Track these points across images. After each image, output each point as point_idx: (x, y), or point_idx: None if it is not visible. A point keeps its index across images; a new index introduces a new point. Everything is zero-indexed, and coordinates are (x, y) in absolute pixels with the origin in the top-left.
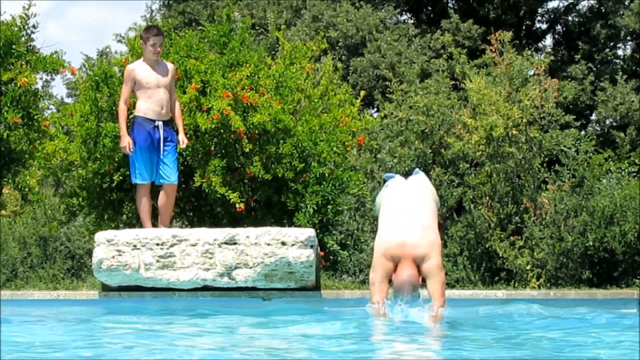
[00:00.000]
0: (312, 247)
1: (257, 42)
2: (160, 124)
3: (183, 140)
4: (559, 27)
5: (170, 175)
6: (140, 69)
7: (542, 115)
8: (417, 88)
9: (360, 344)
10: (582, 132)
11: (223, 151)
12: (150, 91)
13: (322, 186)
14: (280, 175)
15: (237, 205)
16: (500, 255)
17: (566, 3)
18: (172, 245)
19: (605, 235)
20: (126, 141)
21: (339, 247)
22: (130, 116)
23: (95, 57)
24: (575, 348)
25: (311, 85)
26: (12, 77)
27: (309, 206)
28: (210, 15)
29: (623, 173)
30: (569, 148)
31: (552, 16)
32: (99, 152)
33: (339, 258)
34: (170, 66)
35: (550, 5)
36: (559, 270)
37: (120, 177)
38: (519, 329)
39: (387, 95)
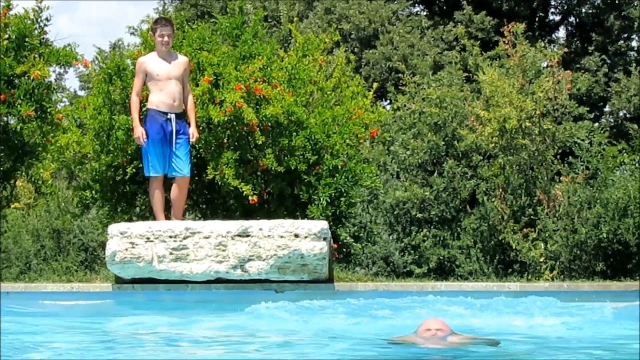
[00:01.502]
0: (325, 239)
1: (270, 34)
2: (173, 116)
3: (193, 133)
4: (572, 19)
5: (182, 167)
6: (151, 61)
7: (555, 107)
8: (430, 80)
9: None
10: (596, 124)
11: (236, 143)
12: (162, 83)
13: (335, 178)
14: (293, 168)
15: (250, 198)
16: (514, 248)
17: None
18: (185, 238)
19: (619, 227)
20: (139, 132)
21: (352, 240)
22: (144, 109)
23: (107, 50)
24: None
25: (324, 78)
26: (25, 70)
27: (322, 198)
28: (222, 8)
29: (637, 165)
30: (583, 140)
31: (565, 7)
32: (112, 145)
33: (352, 250)
34: (182, 59)
35: None
36: (572, 262)
37: (134, 170)
38: None
39: (399, 87)
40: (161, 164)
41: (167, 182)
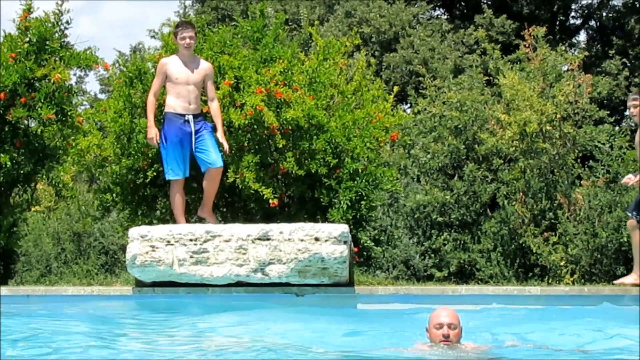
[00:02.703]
0: (345, 242)
1: (291, 37)
2: (191, 117)
3: (223, 144)
4: (593, 22)
5: (214, 159)
6: (172, 64)
7: (576, 111)
8: (451, 84)
9: None
10: (616, 128)
11: (256, 147)
12: (179, 87)
13: (356, 182)
14: (313, 171)
15: (270, 201)
16: (534, 251)
17: None
18: (205, 241)
19: None
20: (153, 132)
21: (373, 243)
22: (161, 111)
23: (128, 53)
24: None
25: (344, 81)
26: (46, 73)
27: (342, 202)
28: (243, 11)
29: None
30: (603, 144)
31: (586, 11)
32: (132, 148)
33: (373, 254)
34: (205, 65)
35: (584, 0)
36: (593, 266)
37: (154, 173)
38: None
39: (420, 90)
40: (180, 167)
41: (188, 186)
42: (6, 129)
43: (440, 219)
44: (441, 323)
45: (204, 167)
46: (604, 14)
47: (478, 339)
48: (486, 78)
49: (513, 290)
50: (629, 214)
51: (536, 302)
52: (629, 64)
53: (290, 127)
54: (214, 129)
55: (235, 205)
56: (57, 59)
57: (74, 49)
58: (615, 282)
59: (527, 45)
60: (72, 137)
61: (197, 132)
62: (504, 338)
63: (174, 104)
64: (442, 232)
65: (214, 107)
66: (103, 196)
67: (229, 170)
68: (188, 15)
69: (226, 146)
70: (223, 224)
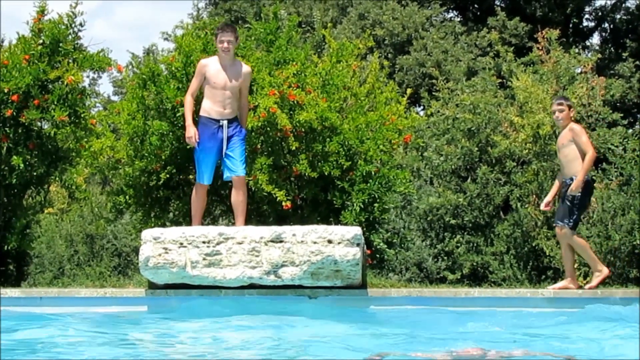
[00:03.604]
0: (358, 245)
1: (304, 40)
2: (225, 122)
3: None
4: (606, 25)
5: (236, 167)
6: (212, 67)
7: (589, 114)
8: (464, 86)
9: None
10: (630, 131)
11: (269, 149)
12: (216, 91)
13: (369, 184)
14: (326, 173)
15: (283, 203)
16: (547, 254)
17: (614, 1)
18: (218, 243)
19: None
20: (192, 132)
21: (386, 246)
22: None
23: (141, 55)
24: None
25: (357, 83)
26: (59, 75)
27: (355, 204)
28: (256, 13)
29: None
30: (617, 146)
31: (599, 14)
32: (145, 150)
33: (386, 256)
34: (244, 70)
35: (598, 3)
36: None
37: (167, 175)
38: None
39: (433, 93)
40: (208, 174)
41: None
42: (19, 131)
43: (453, 221)
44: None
45: (226, 174)
46: (618, 17)
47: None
48: (499, 80)
49: (526, 292)
50: (560, 223)
51: (549, 305)
52: None
53: (303, 130)
54: (245, 137)
55: (248, 208)
56: (70, 61)
57: (88, 51)
58: (549, 287)
59: (540, 48)
60: (85, 139)
61: (229, 137)
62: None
63: (209, 107)
64: (455, 234)
65: (243, 109)
66: (116, 198)
67: None
68: (201, 18)
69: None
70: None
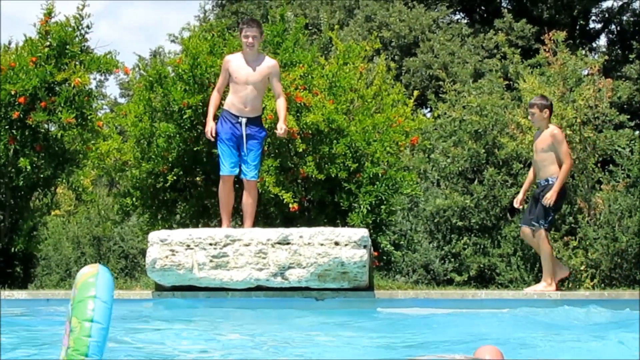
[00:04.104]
0: (365, 247)
1: (311, 42)
2: (244, 120)
3: (281, 126)
4: (613, 27)
5: (248, 171)
6: (234, 62)
7: (596, 115)
8: (471, 88)
9: None
10: (637, 132)
11: (276, 151)
12: (238, 86)
13: (376, 186)
14: (333, 175)
15: (290, 205)
16: (555, 256)
17: (620, 2)
18: (225, 245)
19: None
20: (209, 127)
21: (392, 247)
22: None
23: (148, 58)
24: None
25: (364, 85)
26: (66, 78)
27: (362, 206)
28: (263, 15)
29: None
30: (623, 148)
31: (606, 16)
32: (152, 152)
33: (392, 258)
34: (268, 63)
35: (605, 4)
36: (613, 271)
37: (174, 177)
38: None
39: (440, 95)
40: (230, 164)
41: (208, 190)
42: (26, 133)
43: (460, 223)
44: None
45: (241, 176)
46: (624, 19)
47: None
48: (506, 82)
49: (533, 294)
50: (535, 224)
51: (555, 306)
52: None
53: (310, 131)
54: (264, 139)
55: (255, 210)
56: (77, 63)
57: (94, 53)
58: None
59: (547, 50)
60: (92, 141)
61: (247, 137)
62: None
63: (231, 102)
64: (462, 236)
65: (279, 103)
66: (123, 200)
67: None
68: (208, 20)
69: (284, 127)
70: (243, 228)
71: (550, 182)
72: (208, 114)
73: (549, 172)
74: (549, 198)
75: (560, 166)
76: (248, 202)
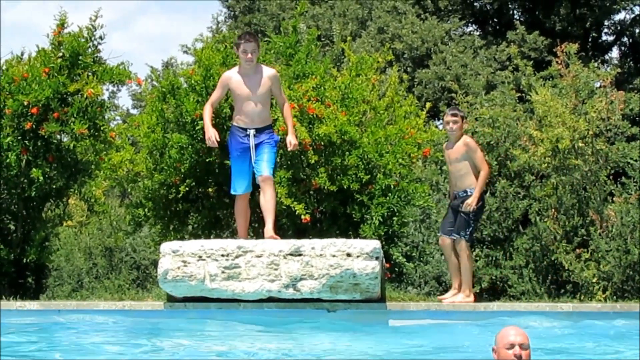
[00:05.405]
0: (377, 258)
1: (323, 53)
2: (252, 131)
3: (291, 141)
4: (625, 39)
5: (261, 168)
6: (235, 78)
7: (608, 128)
8: (483, 100)
9: None
10: None
11: (289, 162)
12: (242, 102)
13: (388, 198)
14: (345, 187)
15: (302, 217)
16: (566, 268)
17: (633, 15)
18: (237, 257)
19: None
20: (210, 132)
21: (405, 259)
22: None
23: (160, 69)
24: None
25: (377, 97)
26: (78, 88)
27: (374, 218)
28: (276, 27)
29: None
30: (636, 160)
31: (618, 28)
32: (165, 163)
33: (405, 270)
34: (268, 74)
35: (617, 17)
36: (625, 283)
37: (186, 188)
38: None
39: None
40: (241, 183)
41: (220, 201)
42: (39, 144)
43: None
44: (512, 343)
45: (257, 177)
46: (637, 31)
47: None
48: (518, 94)
49: (545, 306)
50: (456, 236)
51: (568, 319)
52: None
53: (322, 143)
54: (277, 143)
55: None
56: (90, 74)
57: (107, 64)
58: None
59: (559, 62)
60: (105, 152)
61: (257, 145)
62: None
63: (237, 117)
64: (474, 248)
65: (285, 112)
66: (135, 211)
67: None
68: (221, 31)
69: (294, 142)
70: (255, 239)
71: (469, 193)
72: (205, 124)
73: (466, 182)
74: (470, 204)
75: (477, 176)
76: (265, 199)
